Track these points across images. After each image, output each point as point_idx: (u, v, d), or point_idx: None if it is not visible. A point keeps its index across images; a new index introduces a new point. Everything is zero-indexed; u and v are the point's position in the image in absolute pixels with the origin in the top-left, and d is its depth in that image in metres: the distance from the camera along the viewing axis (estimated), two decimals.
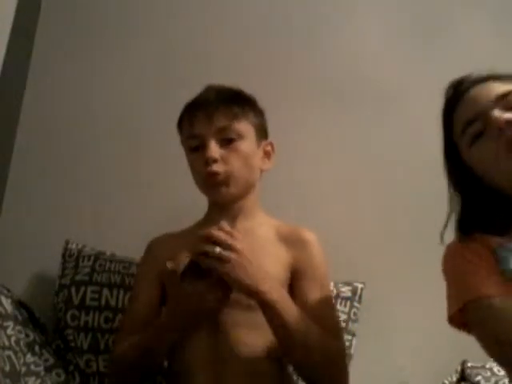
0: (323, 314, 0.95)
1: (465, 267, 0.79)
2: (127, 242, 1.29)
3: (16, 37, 1.30)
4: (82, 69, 1.48)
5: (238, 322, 0.93)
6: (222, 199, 1.02)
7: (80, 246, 1.27)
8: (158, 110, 1.46)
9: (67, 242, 1.27)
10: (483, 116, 0.76)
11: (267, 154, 1.09)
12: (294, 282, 1.00)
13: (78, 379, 1.11)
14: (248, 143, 1.03)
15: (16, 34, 1.29)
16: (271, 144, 1.10)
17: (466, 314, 0.76)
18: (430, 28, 1.60)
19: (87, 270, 1.21)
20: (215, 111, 1.00)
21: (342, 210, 1.44)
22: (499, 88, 0.77)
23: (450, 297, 0.81)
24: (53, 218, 1.37)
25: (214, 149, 0.98)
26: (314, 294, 0.97)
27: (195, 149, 1.02)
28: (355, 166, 1.48)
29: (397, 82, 1.53)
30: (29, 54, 1.45)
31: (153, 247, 1.10)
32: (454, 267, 0.83)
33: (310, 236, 1.04)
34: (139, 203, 1.40)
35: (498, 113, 0.74)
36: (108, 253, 1.26)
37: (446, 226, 0.86)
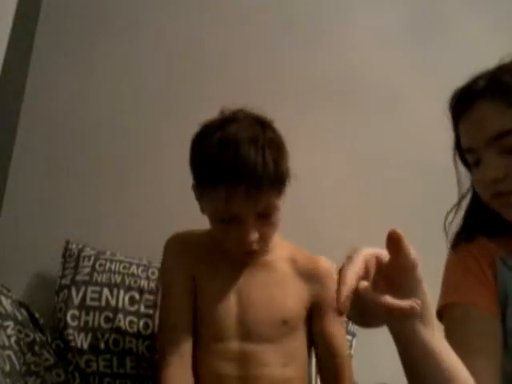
0: (340, 344, 1.02)
1: (458, 272, 0.79)
2: (127, 242, 1.29)
3: (16, 37, 1.30)
4: (82, 68, 1.48)
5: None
6: (252, 262, 1.00)
7: (80, 246, 1.27)
8: (159, 110, 1.46)
9: (67, 242, 1.28)
10: (478, 153, 0.75)
11: None
12: (315, 318, 1.01)
13: (78, 379, 1.11)
14: (280, 210, 0.95)
15: (16, 34, 1.29)
16: None
17: (441, 316, 0.77)
18: (431, 28, 1.60)
19: (87, 269, 1.21)
20: (260, 193, 0.88)
21: (342, 210, 1.43)
22: (496, 122, 0.72)
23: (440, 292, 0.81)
24: (53, 218, 1.37)
25: (254, 233, 0.91)
26: (335, 330, 1.01)
27: (227, 221, 0.91)
28: (355, 166, 1.48)
29: (397, 82, 1.53)
30: (29, 54, 1.45)
31: (177, 246, 1.03)
32: (449, 267, 0.83)
33: (325, 267, 1.03)
34: (139, 203, 1.40)
35: (481, 172, 0.73)
36: (108, 253, 1.26)
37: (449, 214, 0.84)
